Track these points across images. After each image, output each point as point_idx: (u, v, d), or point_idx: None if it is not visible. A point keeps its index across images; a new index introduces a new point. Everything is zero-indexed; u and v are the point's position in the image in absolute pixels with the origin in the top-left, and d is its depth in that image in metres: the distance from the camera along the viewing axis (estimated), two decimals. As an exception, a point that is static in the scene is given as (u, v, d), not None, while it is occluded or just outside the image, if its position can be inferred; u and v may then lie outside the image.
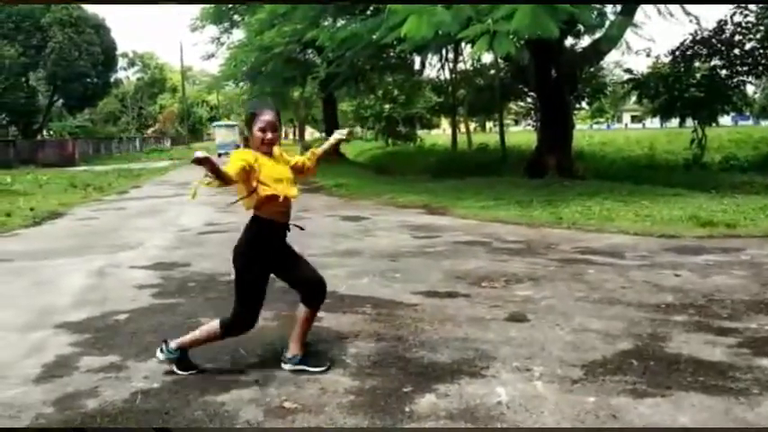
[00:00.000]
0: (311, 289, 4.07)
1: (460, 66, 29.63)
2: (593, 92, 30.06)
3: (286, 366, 3.98)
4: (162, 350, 4.00)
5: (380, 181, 19.17)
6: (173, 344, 4.00)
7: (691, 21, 17.96)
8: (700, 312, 4.99)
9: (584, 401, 3.43)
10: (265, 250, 3.96)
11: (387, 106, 38.57)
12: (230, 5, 30.47)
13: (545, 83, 16.91)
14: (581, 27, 16.94)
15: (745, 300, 5.30)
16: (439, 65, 28.81)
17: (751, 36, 16.11)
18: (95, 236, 10.12)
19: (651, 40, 47.41)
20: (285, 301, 5.61)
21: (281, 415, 3.36)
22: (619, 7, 15.77)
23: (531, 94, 26.64)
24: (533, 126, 30.50)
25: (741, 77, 16.55)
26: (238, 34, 32.22)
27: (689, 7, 16.45)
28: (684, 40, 16.80)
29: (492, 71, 28.04)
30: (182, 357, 3.99)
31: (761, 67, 16.28)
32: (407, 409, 3.38)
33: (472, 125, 44.66)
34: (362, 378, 3.83)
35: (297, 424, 3.26)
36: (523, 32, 11.27)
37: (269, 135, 3.82)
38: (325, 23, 20.14)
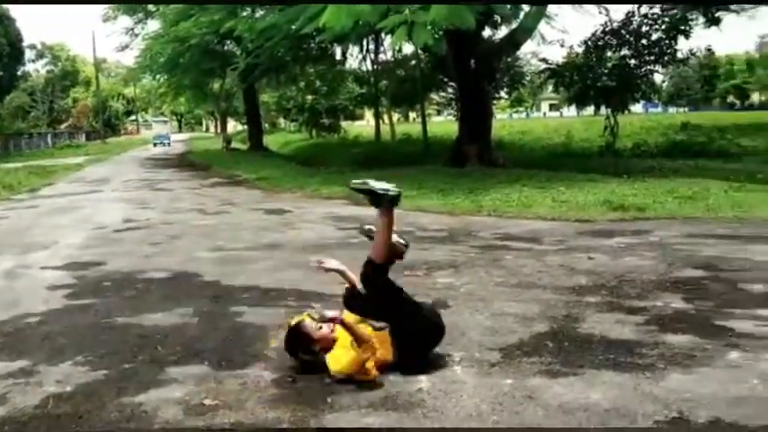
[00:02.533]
0: None
1: (382, 56, 29.74)
2: (511, 81, 30.77)
3: None
4: None
5: (304, 173, 19.05)
6: None
7: (601, 12, 18.55)
8: (611, 293, 5.20)
9: (502, 384, 3.52)
10: None
11: (309, 97, 38.36)
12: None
13: (464, 73, 17.18)
14: (498, 18, 17.25)
15: (653, 279, 5.56)
16: (360, 56, 28.82)
17: (657, 27, 16.81)
18: (5, 236, 9.67)
19: (564, 32, 48.74)
20: (204, 297, 5.54)
21: (201, 412, 3.32)
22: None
23: (452, 84, 27.00)
24: (455, 116, 30.92)
25: (649, 67, 17.22)
26: (153, 25, 31.28)
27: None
28: (596, 31, 17.35)
29: (413, 62, 28.25)
30: None
31: (667, 57, 17.01)
32: (329, 400, 3.39)
33: (395, 116, 44.96)
34: (285, 371, 3.81)
35: (217, 421, 3.22)
36: (441, 23, 11.41)
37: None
38: (244, 14, 19.83)
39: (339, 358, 3.64)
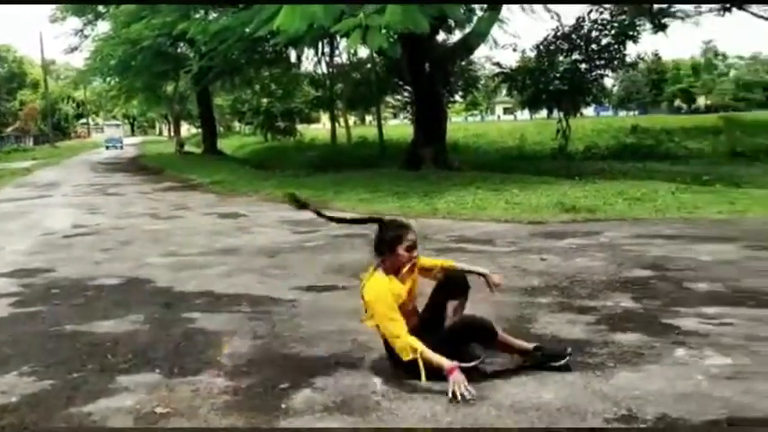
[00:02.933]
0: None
1: (337, 59, 29.73)
2: (465, 85, 31.03)
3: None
4: None
5: (259, 176, 18.90)
6: None
7: (552, 17, 18.94)
8: (563, 293, 5.29)
9: (456, 385, 3.54)
10: None
11: (264, 100, 38.12)
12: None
13: (418, 77, 17.29)
14: (452, 22, 17.41)
15: (603, 279, 5.67)
16: (316, 59, 28.75)
17: (606, 32, 17.24)
18: (-54, 244, 9.34)
19: (516, 36, 49.59)
20: (156, 304, 5.45)
21: (153, 421, 3.26)
22: (486, 4, 16.37)
23: (407, 87, 27.12)
24: (410, 119, 31.12)
25: (599, 71, 17.66)
26: (104, 26, 30.64)
27: (550, 4, 17.37)
28: (547, 36, 17.70)
29: (368, 65, 28.30)
30: None
31: (616, 62, 17.47)
32: (283, 406, 3.36)
33: (351, 119, 44.96)
34: (238, 377, 3.77)
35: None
36: (395, 27, 11.46)
37: (415, 254, 3.79)
38: (197, 16, 19.60)
39: (381, 298, 3.61)
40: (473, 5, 16.55)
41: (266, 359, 4.06)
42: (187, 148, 38.13)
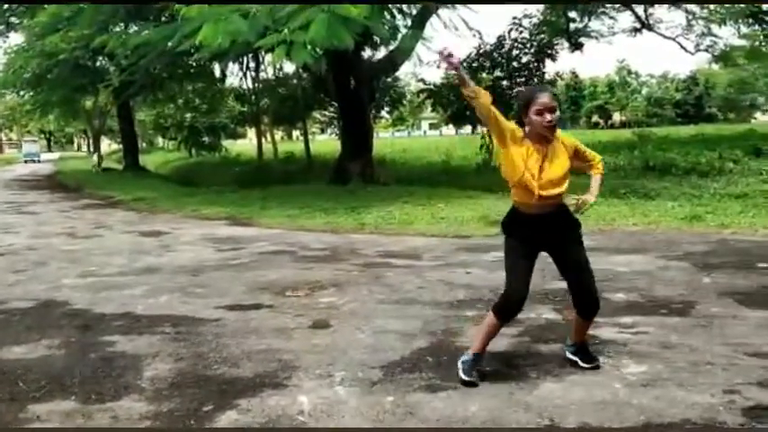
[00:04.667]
0: (580, 301, 3.88)
1: (263, 75, 29.51)
2: (392, 101, 31.37)
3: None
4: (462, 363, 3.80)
5: (183, 193, 18.49)
6: (468, 353, 3.84)
7: (474, 35, 19.39)
8: (486, 306, 5.35)
9: (383, 401, 3.55)
10: (517, 231, 3.78)
11: (188, 115, 37.37)
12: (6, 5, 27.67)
13: (344, 92, 17.36)
14: (377, 39, 17.58)
15: (526, 291, 5.80)
16: (241, 73, 28.45)
17: (526, 51, 17.82)
18: None
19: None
20: (73, 327, 5.23)
21: (67, 451, 3.12)
22: (410, 21, 16.61)
23: (334, 103, 27.18)
24: (338, 134, 31.18)
25: (520, 88, 18.20)
26: (17, 38, 29.45)
27: (471, 23, 17.78)
28: (470, 54, 18.12)
29: (294, 80, 28.22)
30: (476, 360, 3.82)
31: (536, 79, 18.03)
32: (206, 426, 3.28)
33: (278, 134, 44.65)
34: (159, 401, 3.65)
35: (85, 459, 3.04)
36: (319, 43, 11.46)
37: (548, 117, 3.59)
38: (116, 29, 19.09)
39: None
40: (397, 23, 16.78)
41: (189, 381, 3.95)
42: (108, 164, 36.94)
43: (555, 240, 3.76)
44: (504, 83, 17.91)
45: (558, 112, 3.67)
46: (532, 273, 3.79)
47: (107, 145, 61.76)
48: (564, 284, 5.93)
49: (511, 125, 3.67)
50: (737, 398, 3.42)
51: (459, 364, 3.79)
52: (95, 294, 6.34)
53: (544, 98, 3.61)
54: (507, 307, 3.75)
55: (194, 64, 22.43)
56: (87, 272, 7.55)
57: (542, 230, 3.72)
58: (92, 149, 49.01)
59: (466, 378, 3.71)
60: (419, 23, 16.24)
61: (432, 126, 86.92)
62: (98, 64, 27.61)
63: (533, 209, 3.68)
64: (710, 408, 3.32)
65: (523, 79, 17.94)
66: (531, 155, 3.63)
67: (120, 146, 42.01)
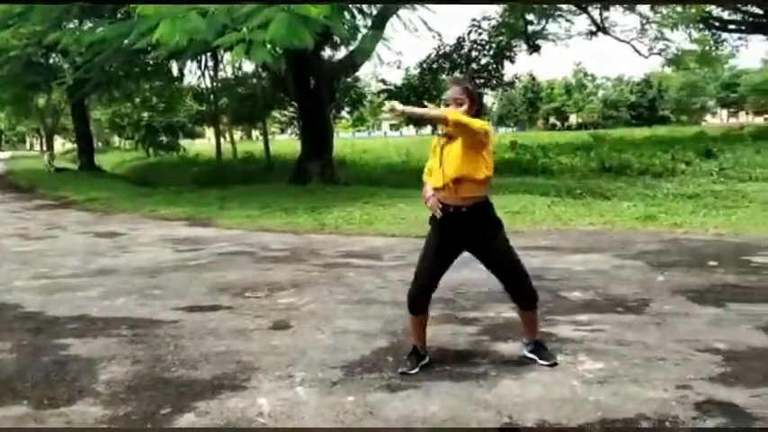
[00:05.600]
0: (512, 294, 4.07)
1: (222, 74, 29.18)
2: (352, 101, 31.33)
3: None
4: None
5: (141, 193, 18.18)
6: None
7: (434, 37, 19.54)
8: (447, 305, 5.41)
9: (344, 402, 3.54)
10: (434, 227, 3.95)
11: (145, 114, 36.72)
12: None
13: (304, 92, 17.29)
14: (337, 39, 17.56)
15: (485, 291, 5.85)
16: (199, 72, 28.08)
17: (485, 53, 18.01)
18: None
19: (400, 54, 50.70)
20: (25, 330, 5.10)
21: (19, 458, 3.04)
22: (370, 21, 16.63)
23: (294, 103, 27.05)
24: (298, 134, 31.03)
25: (479, 89, 18.35)
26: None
27: (431, 24, 17.89)
28: (430, 55, 18.24)
29: (254, 80, 27.99)
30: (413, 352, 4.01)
31: (495, 81, 18.25)
32: (165, 428, 3.24)
33: (237, 134, 44.22)
34: (116, 405, 3.58)
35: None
36: (279, 42, 11.40)
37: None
38: (70, 26, 18.66)
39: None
40: (357, 23, 16.79)
41: (146, 384, 3.88)
42: (63, 164, 36.07)
43: (473, 238, 3.88)
44: (464, 84, 18.07)
45: (465, 106, 3.69)
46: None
47: (61, 144, 60.39)
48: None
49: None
50: (690, 393, 3.51)
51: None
52: (48, 296, 6.19)
53: (450, 92, 3.75)
54: (408, 297, 4.00)
55: (151, 62, 22.00)
56: (40, 273, 7.38)
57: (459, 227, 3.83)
58: (45, 148, 47.90)
59: (401, 369, 3.89)
60: (379, 24, 16.28)
61: (392, 127, 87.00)
62: (51, 61, 26.93)
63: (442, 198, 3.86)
64: (664, 403, 3.40)
65: (483, 81, 18.12)
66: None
67: (75, 145, 41.15)
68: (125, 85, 27.82)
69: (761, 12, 29.25)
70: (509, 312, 5.16)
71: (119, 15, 17.40)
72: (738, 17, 31.45)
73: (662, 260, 6.95)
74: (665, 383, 3.64)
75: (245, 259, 7.93)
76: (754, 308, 5.06)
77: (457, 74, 17.78)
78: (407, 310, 4.00)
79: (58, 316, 5.48)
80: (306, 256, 7.99)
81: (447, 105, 3.68)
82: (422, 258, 3.95)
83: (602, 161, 18.03)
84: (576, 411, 3.33)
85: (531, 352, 4.05)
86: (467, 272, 6.60)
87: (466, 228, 3.81)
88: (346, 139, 48.81)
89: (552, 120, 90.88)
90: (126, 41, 13.72)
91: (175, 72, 26.51)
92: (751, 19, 31.00)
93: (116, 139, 57.88)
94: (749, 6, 29.00)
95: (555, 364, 3.95)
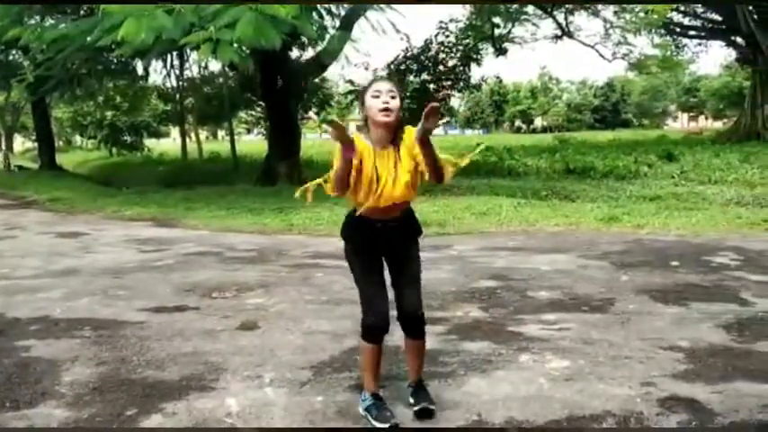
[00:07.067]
0: (402, 317, 3.44)
1: (188, 73, 28.87)
2: (320, 102, 31.24)
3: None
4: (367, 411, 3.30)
5: (104, 193, 17.88)
6: (365, 395, 3.36)
7: (402, 38, 19.60)
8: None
9: (313, 401, 3.54)
10: (360, 245, 3.38)
11: (109, 113, 36.16)
12: None
13: (271, 92, 17.19)
14: (305, 40, 17.51)
15: (453, 291, 5.89)
16: (165, 71, 27.73)
17: (453, 55, 18.13)
18: None
19: (368, 55, 50.80)
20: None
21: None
22: (338, 22, 16.62)
23: (261, 103, 26.89)
24: (265, 135, 30.83)
25: (446, 91, 18.51)
26: None
27: (399, 25, 17.95)
28: (398, 56, 18.29)
29: (220, 79, 27.74)
30: (377, 399, 3.32)
31: (462, 83, 18.38)
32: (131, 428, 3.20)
33: (203, 134, 43.78)
34: (79, 407, 3.52)
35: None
36: (247, 42, 11.32)
37: (389, 103, 3.16)
38: (32, 22, 18.26)
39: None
40: (325, 23, 16.76)
41: (112, 386, 3.82)
42: (23, 162, 35.28)
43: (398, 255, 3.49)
44: (431, 86, 18.15)
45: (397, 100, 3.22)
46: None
47: (20, 143, 59.10)
48: (490, 283, 6.11)
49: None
50: (654, 389, 3.58)
51: (364, 413, 3.30)
52: (9, 298, 6.05)
53: (382, 84, 3.25)
54: (369, 336, 3.41)
55: (115, 60, 21.65)
56: (0, 274, 7.21)
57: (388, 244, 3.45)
58: (3, 148, 46.81)
59: (386, 426, 3.18)
60: (347, 25, 16.26)
61: (359, 128, 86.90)
62: (11, 58, 26.38)
63: (377, 214, 3.40)
64: (629, 399, 3.46)
65: (450, 83, 18.24)
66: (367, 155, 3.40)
67: (35, 144, 40.29)
68: (88, 84, 27.28)
69: (719, 18, 29.98)
70: (477, 312, 5.21)
71: (82, 12, 17.10)
72: (698, 23, 32.20)
73: (626, 260, 7.07)
74: (630, 381, 3.71)
75: (211, 260, 7.86)
76: (715, 307, 5.18)
77: (425, 75, 17.89)
78: (363, 341, 3.40)
79: (19, 317, 5.37)
80: (274, 257, 7.94)
81: (376, 97, 3.20)
82: (365, 283, 3.36)
83: (567, 163, 18.27)
84: (544, 409, 3.38)
85: (411, 395, 3.44)
86: (434, 272, 6.67)
87: (391, 239, 3.44)
88: (314, 140, 48.66)
89: (518, 122, 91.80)
90: (89, 39, 13.45)
91: (140, 71, 26.16)
92: (710, 25, 31.77)
93: (78, 139, 56.85)
94: (709, 13, 29.70)
95: (429, 414, 3.31)
